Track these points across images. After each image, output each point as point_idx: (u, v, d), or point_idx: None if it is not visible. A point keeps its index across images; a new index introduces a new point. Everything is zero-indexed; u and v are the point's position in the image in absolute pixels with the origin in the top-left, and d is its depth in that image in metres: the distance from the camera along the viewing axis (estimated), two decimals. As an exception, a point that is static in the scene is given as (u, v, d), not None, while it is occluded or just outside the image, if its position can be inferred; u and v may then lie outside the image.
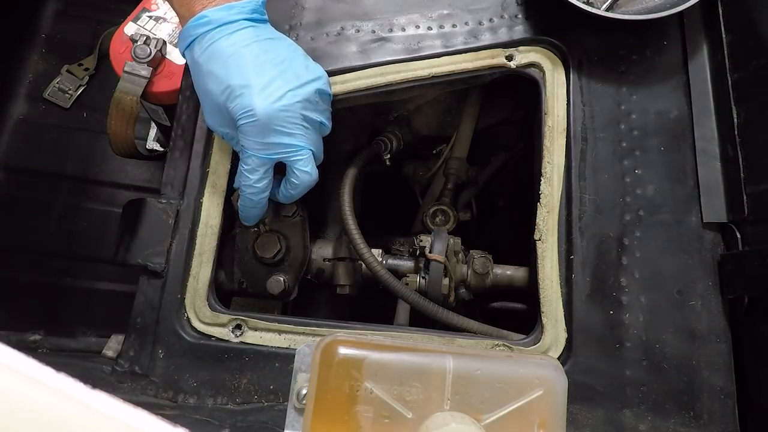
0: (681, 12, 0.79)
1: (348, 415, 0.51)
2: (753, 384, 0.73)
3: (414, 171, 1.24)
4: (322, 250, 0.97)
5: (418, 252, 0.94)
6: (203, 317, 0.80)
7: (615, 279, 0.78)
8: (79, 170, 1.50)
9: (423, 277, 0.90)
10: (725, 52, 0.82)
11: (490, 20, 0.90)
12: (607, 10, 0.83)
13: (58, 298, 1.34)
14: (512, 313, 1.01)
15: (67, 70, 1.57)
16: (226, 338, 0.78)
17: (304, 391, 0.54)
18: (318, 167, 0.80)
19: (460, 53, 0.88)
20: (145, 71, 0.99)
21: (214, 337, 0.79)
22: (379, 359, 0.53)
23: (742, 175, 0.77)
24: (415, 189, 1.26)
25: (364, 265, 0.89)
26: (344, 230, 0.89)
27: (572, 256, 0.79)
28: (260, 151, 0.74)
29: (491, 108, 1.15)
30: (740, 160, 0.77)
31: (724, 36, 0.83)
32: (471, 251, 0.97)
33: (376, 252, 0.92)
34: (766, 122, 0.75)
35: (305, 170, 0.77)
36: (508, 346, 0.77)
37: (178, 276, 0.80)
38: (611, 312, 0.76)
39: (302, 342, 0.78)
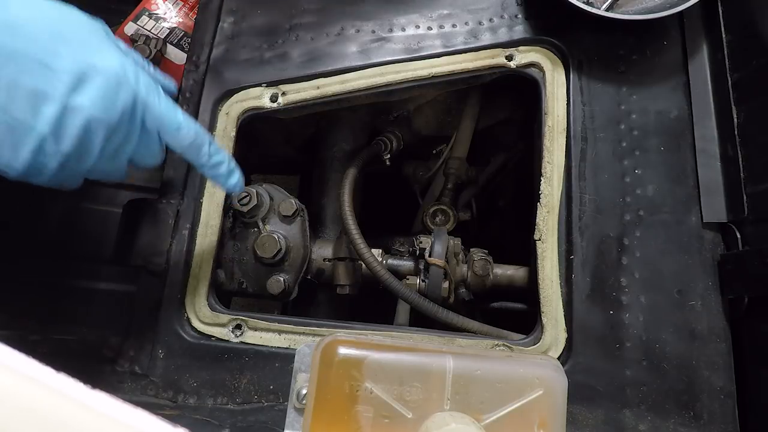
0: (681, 12, 0.79)
1: (348, 415, 0.51)
2: (753, 384, 0.73)
3: (414, 171, 1.24)
4: (322, 250, 0.97)
5: (418, 252, 0.94)
6: (203, 317, 0.80)
7: (615, 279, 0.78)
8: (79, 170, 1.49)
9: (423, 281, 0.90)
10: (725, 52, 0.82)
11: (490, 20, 0.90)
12: (607, 10, 0.83)
13: (58, 298, 1.34)
14: (512, 313, 1.01)
15: (68, 70, 1.56)
16: (226, 338, 0.78)
17: (304, 391, 0.54)
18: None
19: (460, 53, 0.88)
20: (145, 71, 0.98)
21: (214, 337, 0.79)
22: (379, 359, 0.53)
23: (742, 175, 0.77)
24: (415, 189, 1.26)
25: (364, 265, 0.89)
26: (344, 230, 0.89)
27: (572, 256, 0.79)
28: None
29: (491, 108, 1.15)
30: (740, 160, 0.77)
31: (724, 36, 0.83)
32: (471, 250, 0.97)
33: (376, 252, 0.92)
34: (766, 122, 0.75)
35: None
36: (508, 346, 0.77)
37: (178, 276, 0.81)
38: (611, 312, 0.76)
39: (302, 342, 0.78)
